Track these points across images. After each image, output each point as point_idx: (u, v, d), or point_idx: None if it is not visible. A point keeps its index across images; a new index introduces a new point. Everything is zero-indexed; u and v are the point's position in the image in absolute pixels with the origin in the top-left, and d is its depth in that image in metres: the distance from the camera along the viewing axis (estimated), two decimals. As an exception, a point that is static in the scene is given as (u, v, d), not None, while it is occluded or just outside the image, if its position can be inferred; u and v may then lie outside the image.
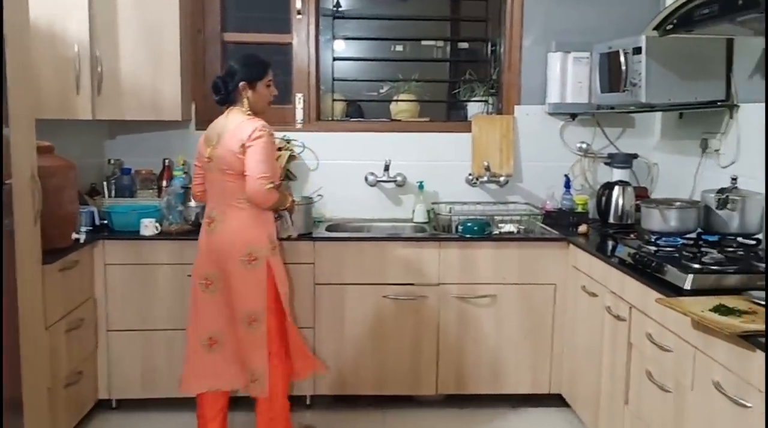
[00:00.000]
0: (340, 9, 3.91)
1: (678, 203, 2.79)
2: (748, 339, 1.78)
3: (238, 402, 3.04)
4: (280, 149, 3.61)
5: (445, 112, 4.32)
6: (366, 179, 3.80)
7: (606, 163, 3.65)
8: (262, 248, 2.69)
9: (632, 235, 3.02)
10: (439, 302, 3.28)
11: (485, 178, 3.77)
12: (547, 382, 3.36)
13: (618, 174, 3.51)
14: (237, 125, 2.68)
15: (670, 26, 2.61)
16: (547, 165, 3.83)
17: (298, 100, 3.82)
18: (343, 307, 3.27)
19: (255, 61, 2.77)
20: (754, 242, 2.63)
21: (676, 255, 2.47)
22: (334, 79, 3.94)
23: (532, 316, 3.31)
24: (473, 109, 3.93)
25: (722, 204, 2.64)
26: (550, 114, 3.80)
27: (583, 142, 3.81)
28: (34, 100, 2.55)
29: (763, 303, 2.00)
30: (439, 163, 3.82)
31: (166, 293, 3.22)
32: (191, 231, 3.27)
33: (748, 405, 1.79)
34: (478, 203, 3.76)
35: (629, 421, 2.60)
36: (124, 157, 3.73)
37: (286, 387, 2.89)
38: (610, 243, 3.03)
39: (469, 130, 3.81)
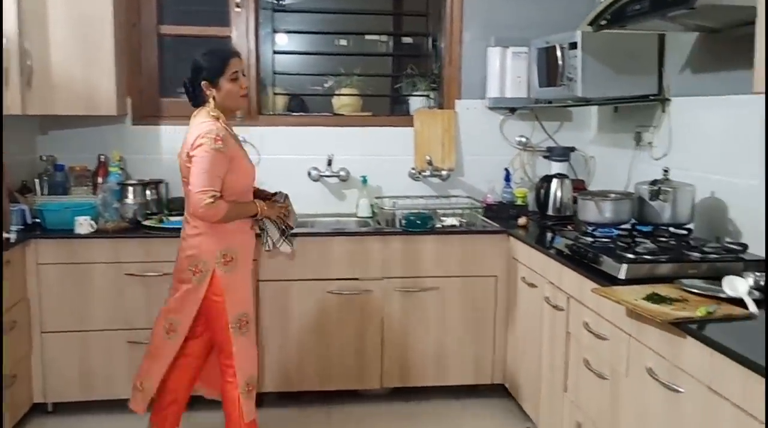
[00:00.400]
0: (280, 2, 3.87)
1: (613, 195, 2.86)
2: (679, 326, 1.84)
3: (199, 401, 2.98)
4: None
5: (389, 106, 4.32)
6: (309, 174, 3.78)
7: (545, 157, 3.71)
8: (209, 261, 2.55)
9: (570, 227, 3.08)
10: (384, 296, 3.29)
11: (428, 173, 3.80)
12: (490, 373, 3.41)
13: (556, 167, 3.57)
14: (192, 130, 2.55)
15: (604, 22, 2.66)
16: (487, 159, 3.87)
17: (239, 93, 3.76)
18: (287, 304, 3.24)
19: (212, 56, 2.57)
20: (685, 232, 2.71)
21: (611, 245, 2.53)
22: (274, 73, 3.90)
23: (475, 308, 3.35)
24: (415, 103, 3.95)
25: (655, 195, 2.72)
26: (490, 108, 3.84)
27: (522, 136, 3.88)
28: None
29: (694, 290, 2.07)
30: (382, 158, 3.82)
31: (103, 293, 3.13)
32: (128, 229, 3.21)
33: (681, 390, 1.85)
34: (421, 197, 3.79)
35: (568, 409, 2.65)
36: (57, 153, 3.60)
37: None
38: (549, 235, 3.07)
39: (411, 125, 3.82)
